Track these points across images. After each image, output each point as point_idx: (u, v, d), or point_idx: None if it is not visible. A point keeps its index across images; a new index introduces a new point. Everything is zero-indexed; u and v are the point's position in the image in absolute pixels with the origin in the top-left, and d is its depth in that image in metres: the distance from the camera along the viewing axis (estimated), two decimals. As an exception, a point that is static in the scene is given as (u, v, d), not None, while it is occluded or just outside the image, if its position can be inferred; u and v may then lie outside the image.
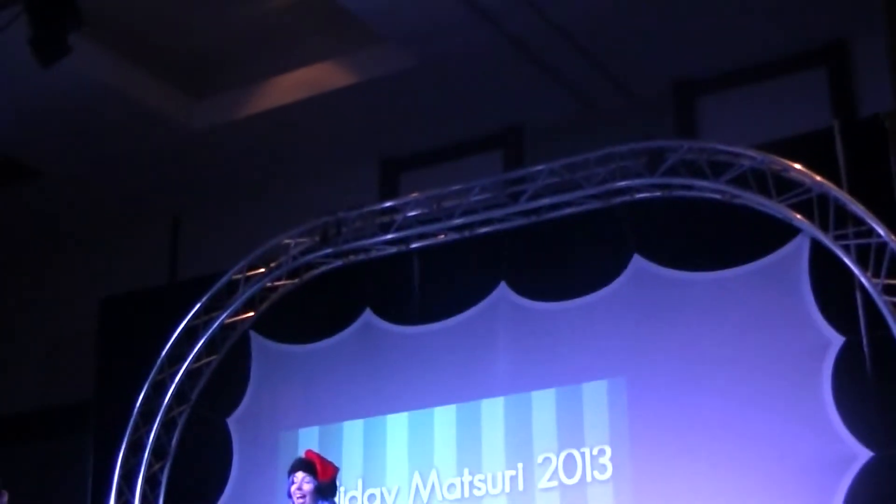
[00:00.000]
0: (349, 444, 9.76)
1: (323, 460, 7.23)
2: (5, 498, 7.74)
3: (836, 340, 8.23)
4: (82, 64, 9.49)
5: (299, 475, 7.06)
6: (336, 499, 7.34)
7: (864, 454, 7.94)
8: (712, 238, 8.83)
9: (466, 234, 9.71)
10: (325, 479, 7.09)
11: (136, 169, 11.20)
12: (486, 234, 9.65)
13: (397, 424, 9.62)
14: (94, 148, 10.88)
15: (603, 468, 8.79)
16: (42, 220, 11.97)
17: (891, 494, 7.81)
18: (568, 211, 9.33)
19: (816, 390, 8.17)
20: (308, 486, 7.03)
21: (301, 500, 7.03)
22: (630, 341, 8.92)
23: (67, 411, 11.83)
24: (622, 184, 9.05)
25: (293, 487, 7.07)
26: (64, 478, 11.39)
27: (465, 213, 9.65)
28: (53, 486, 11.21)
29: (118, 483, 10.34)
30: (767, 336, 8.46)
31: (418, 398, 9.58)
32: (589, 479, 8.80)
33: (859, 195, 8.26)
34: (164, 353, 10.45)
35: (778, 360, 8.37)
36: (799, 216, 8.38)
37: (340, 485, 9.46)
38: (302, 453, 7.55)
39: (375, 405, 9.73)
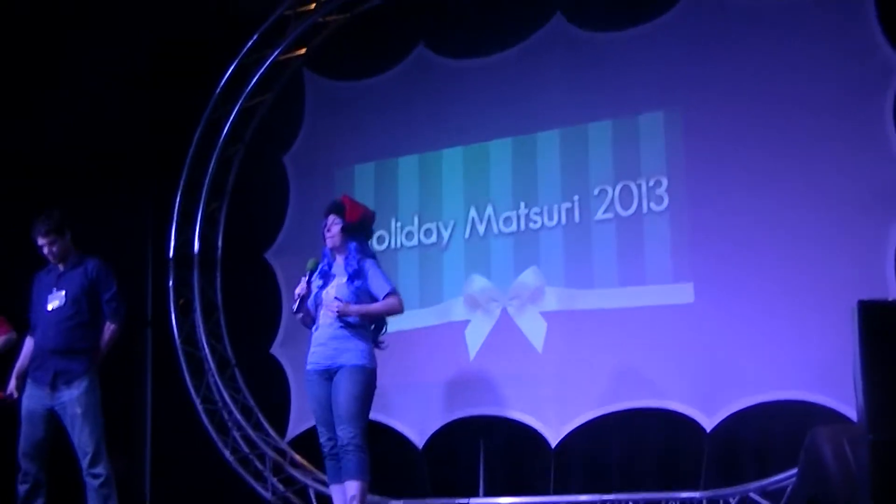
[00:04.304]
0: (405, 179, 9.80)
1: (353, 202, 7.49)
2: (68, 236, 7.86)
3: (901, 66, 8.03)
4: None
5: (330, 217, 7.39)
6: (370, 241, 7.67)
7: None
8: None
9: (521, -37, 9.48)
10: (351, 219, 7.35)
11: None
12: (540, -38, 9.42)
13: (453, 159, 9.62)
14: None
15: (659, 199, 8.76)
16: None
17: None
18: (627, -66, 9.06)
19: (878, 116, 8.00)
20: (336, 227, 7.33)
21: (331, 239, 7.37)
22: (687, 71, 8.76)
23: (126, 154, 11.87)
24: None
25: (325, 229, 7.38)
26: (124, 219, 11.49)
27: (518, -60, 9.42)
28: (114, 228, 11.31)
29: (178, 221, 10.50)
30: (829, 63, 8.25)
31: (473, 132, 9.54)
32: (645, 209, 8.80)
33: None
34: (216, 91, 10.44)
35: (839, 87, 8.18)
36: (865, -67, 8.09)
37: (397, 221, 9.56)
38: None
39: (430, 140, 9.72)
